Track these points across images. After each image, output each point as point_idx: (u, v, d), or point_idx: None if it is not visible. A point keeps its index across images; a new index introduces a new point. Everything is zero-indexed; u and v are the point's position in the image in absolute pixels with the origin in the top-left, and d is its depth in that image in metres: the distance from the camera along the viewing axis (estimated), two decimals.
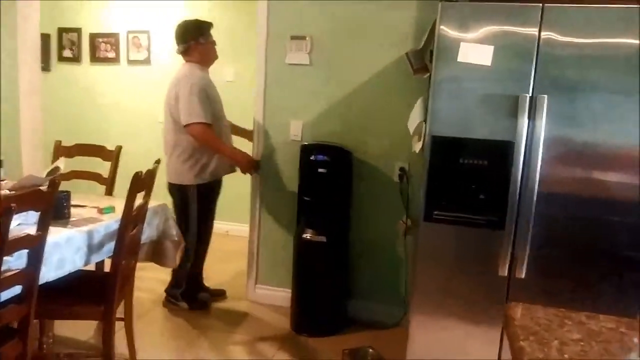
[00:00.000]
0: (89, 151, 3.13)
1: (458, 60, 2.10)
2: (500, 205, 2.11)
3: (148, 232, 2.63)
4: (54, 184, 1.83)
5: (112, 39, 5.09)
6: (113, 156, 3.03)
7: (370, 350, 2.60)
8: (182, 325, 3.05)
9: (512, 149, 2.07)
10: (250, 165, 3.19)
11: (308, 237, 2.92)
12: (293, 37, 3.12)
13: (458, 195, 2.16)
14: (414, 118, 2.50)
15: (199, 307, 3.26)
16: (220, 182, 3.30)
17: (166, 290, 3.31)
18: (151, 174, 2.32)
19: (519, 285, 2.14)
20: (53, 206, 1.87)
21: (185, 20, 3.19)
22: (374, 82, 3.05)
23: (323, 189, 2.92)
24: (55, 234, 2.02)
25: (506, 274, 2.14)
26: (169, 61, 4.96)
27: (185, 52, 3.10)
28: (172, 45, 4.96)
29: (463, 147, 2.14)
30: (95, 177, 3.05)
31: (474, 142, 2.12)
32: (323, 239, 2.89)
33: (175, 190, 3.16)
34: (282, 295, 3.28)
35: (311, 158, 2.89)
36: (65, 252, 2.05)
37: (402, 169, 3.05)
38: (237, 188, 4.60)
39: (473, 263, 2.19)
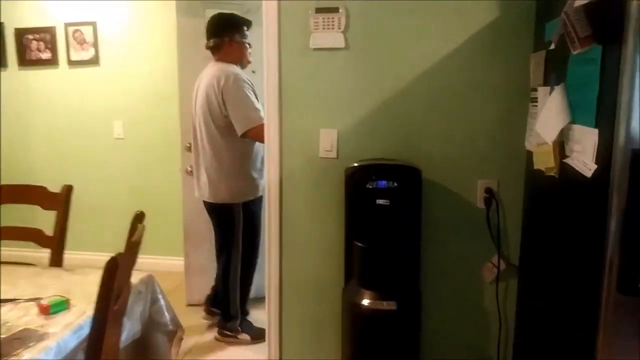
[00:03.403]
0: (22, 196, 2.05)
1: None
2: None
3: (128, 329, 1.62)
4: None
5: (46, 34, 3.96)
6: (60, 201, 1.98)
7: None
8: None
9: None
10: None
11: (369, 303, 1.95)
12: (319, 10, 2.14)
13: None
14: (552, 120, 1.58)
15: (261, 336, 2.70)
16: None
17: (220, 326, 2.98)
18: (134, 248, 1.31)
19: None
20: None
21: (220, 13, 2.92)
22: (440, 70, 2.11)
23: (385, 229, 1.98)
24: None
25: None
26: (124, 60, 3.90)
27: (216, 49, 2.79)
28: (127, 39, 3.98)
29: None
30: (34, 235, 1.99)
31: None
32: (392, 305, 1.93)
33: (218, 210, 2.87)
34: None
35: (367, 186, 1.93)
36: None
37: (488, 191, 2.14)
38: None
39: None
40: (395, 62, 2.14)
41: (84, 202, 3.66)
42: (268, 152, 2.29)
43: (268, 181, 2.31)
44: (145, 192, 4.04)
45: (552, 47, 1.59)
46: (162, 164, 3.97)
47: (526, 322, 2.07)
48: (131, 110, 3.99)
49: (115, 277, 1.10)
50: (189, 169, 3.28)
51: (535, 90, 1.89)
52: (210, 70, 2.77)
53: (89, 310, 1.32)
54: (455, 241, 2.20)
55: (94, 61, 3.94)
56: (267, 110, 2.26)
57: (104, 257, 1.16)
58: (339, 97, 2.20)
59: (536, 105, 1.88)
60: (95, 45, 3.92)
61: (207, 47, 2.83)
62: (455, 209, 2.18)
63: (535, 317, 1.97)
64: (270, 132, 2.26)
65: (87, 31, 3.91)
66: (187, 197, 3.32)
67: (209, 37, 2.82)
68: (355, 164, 2.02)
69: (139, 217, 1.41)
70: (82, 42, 3.93)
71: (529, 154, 1.96)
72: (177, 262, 3.63)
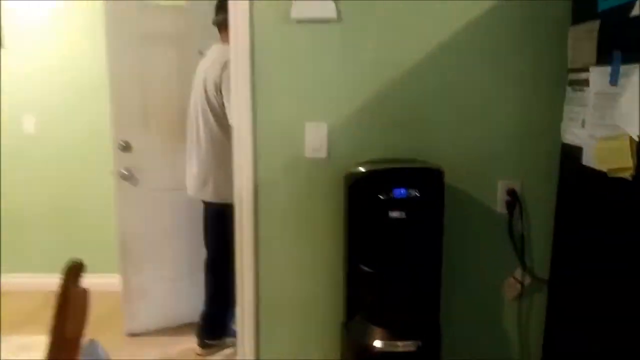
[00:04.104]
0: None
1: None
2: None
3: None
4: None
5: None
6: None
7: None
8: None
9: None
10: None
11: (382, 345, 1.53)
12: None
13: None
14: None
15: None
16: None
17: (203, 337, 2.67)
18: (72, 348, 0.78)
19: None
20: None
21: None
22: (453, 48, 1.71)
23: (401, 249, 1.56)
24: None
25: None
26: (36, 43, 3.24)
27: (224, 27, 2.29)
28: (38, 15, 3.28)
29: None
30: None
31: None
32: (411, 346, 1.53)
33: (217, 210, 2.54)
34: None
35: (380, 196, 1.50)
36: None
37: (511, 192, 1.78)
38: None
39: None
40: (398, 38, 1.71)
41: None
42: (238, 151, 1.79)
43: (238, 189, 1.81)
44: (66, 200, 3.42)
45: (637, 12, 1.22)
46: (87, 166, 3.38)
47: (558, 352, 1.74)
48: (46, 103, 3.35)
49: None
50: (124, 172, 2.72)
51: (579, 71, 1.54)
52: (213, 54, 2.49)
53: None
54: (471, 254, 1.83)
55: None
56: (236, 98, 1.76)
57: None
58: (329, 83, 1.74)
59: (582, 90, 1.52)
60: None
61: (214, 23, 2.54)
62: (471, 214, 1.80)
63: (572, 347, 1.63)
64: (241, 127, 1.76)
65: None
66: (124, 206, 2.75)
67: (217, 12, 2.50)
68: (361, 169, 1.57)
69: (73, 271, 0.87)
70: None
71: (566, 149, 1.61)
72: (109, 281, 3.04)
